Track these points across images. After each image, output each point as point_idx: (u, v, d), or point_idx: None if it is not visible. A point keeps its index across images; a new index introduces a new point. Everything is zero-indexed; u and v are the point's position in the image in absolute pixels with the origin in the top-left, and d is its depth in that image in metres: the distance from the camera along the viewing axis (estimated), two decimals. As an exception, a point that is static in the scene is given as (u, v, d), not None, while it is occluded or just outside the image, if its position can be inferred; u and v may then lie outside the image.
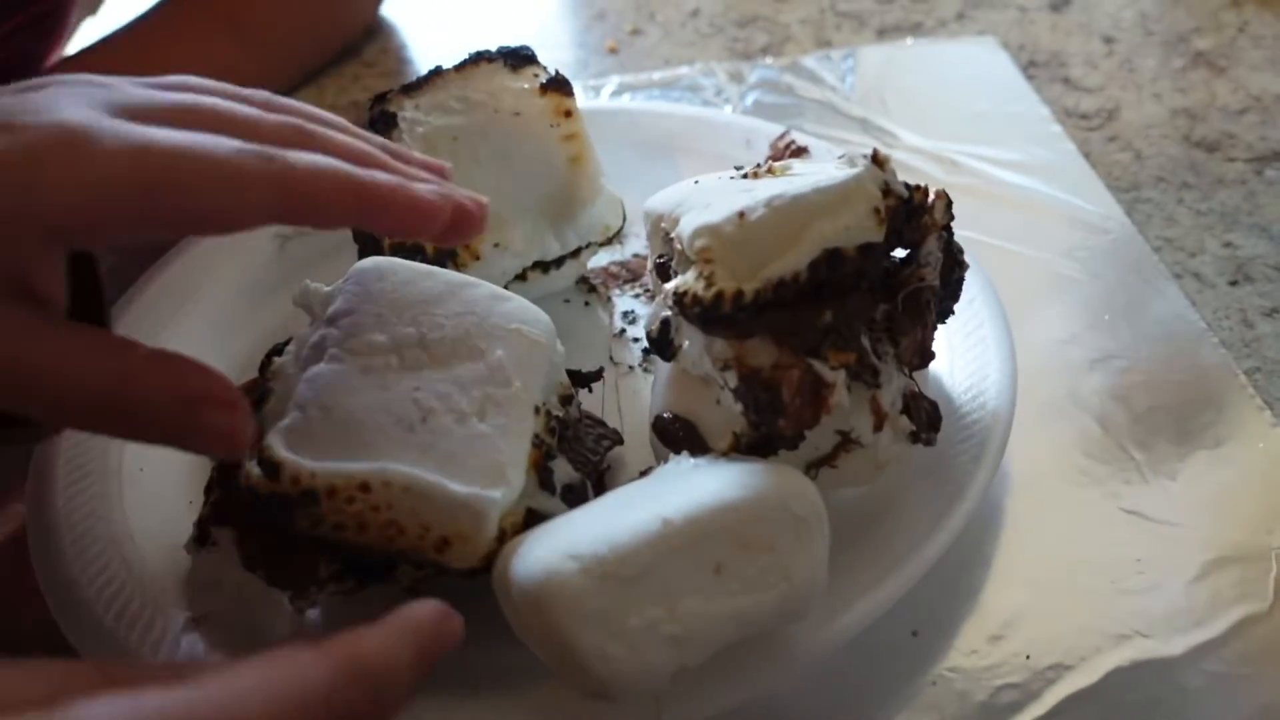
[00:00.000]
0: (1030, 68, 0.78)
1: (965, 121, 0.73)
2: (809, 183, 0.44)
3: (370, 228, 0.41)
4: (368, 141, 0.41)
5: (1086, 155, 0.70)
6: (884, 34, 0.83)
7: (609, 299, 0.60)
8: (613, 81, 0.79)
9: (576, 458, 0.45)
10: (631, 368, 0.56)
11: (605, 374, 0.55)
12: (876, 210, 0.43)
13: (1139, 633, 0.46)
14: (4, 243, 0.33)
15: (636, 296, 0.60)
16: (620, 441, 0.48)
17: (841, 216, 0.43)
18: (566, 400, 0.46)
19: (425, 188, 0.39)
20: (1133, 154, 0.70)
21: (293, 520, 0.38)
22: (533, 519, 0.41)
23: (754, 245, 0.43)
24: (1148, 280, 0.61)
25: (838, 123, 0.74)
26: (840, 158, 0.46)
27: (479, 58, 0.57)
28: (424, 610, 0.31)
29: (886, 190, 0.44)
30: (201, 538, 0.42)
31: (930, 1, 0.87)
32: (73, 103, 0.35)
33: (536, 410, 0.43)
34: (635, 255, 0.63)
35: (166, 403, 0.34)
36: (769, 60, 0.81)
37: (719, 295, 0.42)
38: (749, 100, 0.77)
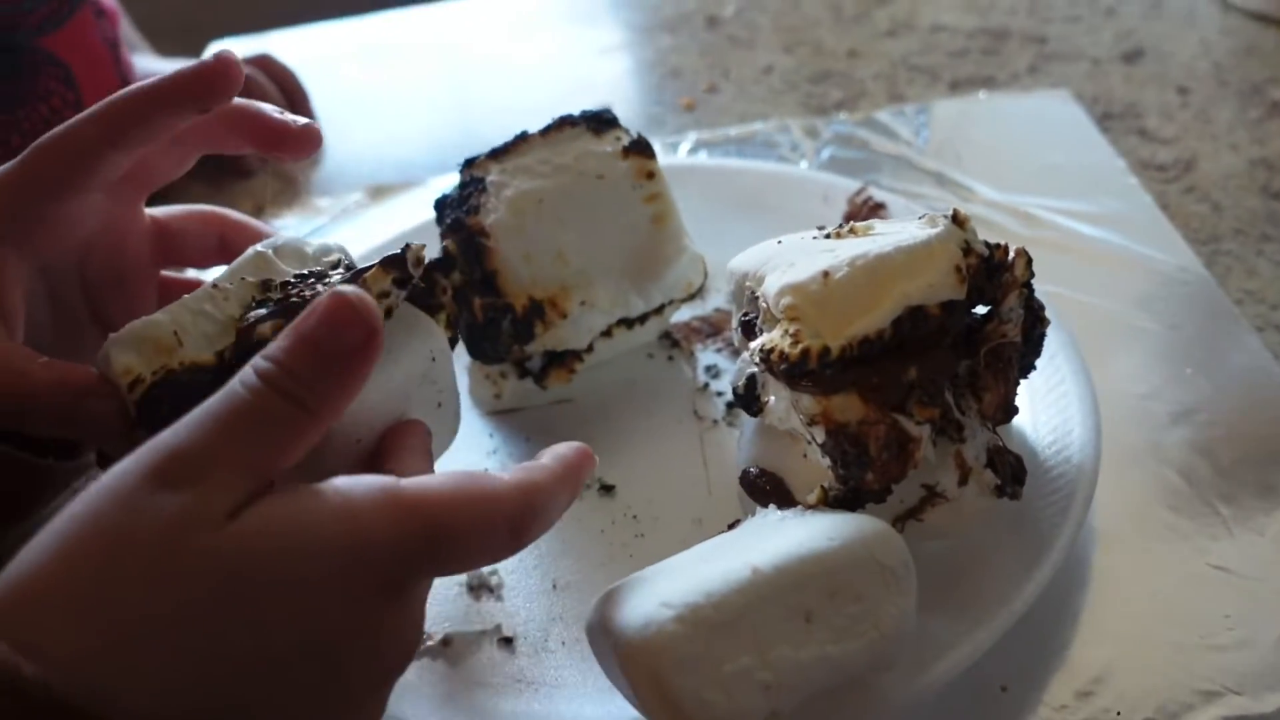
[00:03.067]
0: (1104, 119, 0.79)
1: (1040, 174, 0.74)
2: (891, 242, 0.45)
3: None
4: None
5: (1164, 207, 0.70)
6: (956, 87, 0.85)
7: (692, 353, 0.62)
8: (689, 138, 0.81)
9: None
10: (715, 422, 0.58)
11: (690, 428, 0.57)
12: (958, 268, 0.44)
13: (1230, 689, 0.45)
14: None
15: (719, 351, 0.62)
16: (352, 272, 0.47)
17: (924, 275, 0.44)
18: (318, 277, 0.47)
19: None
20: (1210, 205, 0.70)
21: None
22: (226, 360, 0.43)
23: (838, 303, 0.44)
24: (1228, 333, 0.61)
25: (912, 177, 0.75)
26: (921, 217, 0.47)
27: (563, 122, 0.59)
28: (572, 450, 0.40)
29: (967, 249, 0.45)
30: None
31: (1002, 55, 0.88)
32: None
33: (215, 286, 0.45)
34: (717, 310, 0.64)
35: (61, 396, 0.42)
36: (843, 115, 0.82)
37: (805, 352, 0.43)
38: (824, 155, 0.78)
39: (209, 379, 0.42)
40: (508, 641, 0.49)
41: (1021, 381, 0.51)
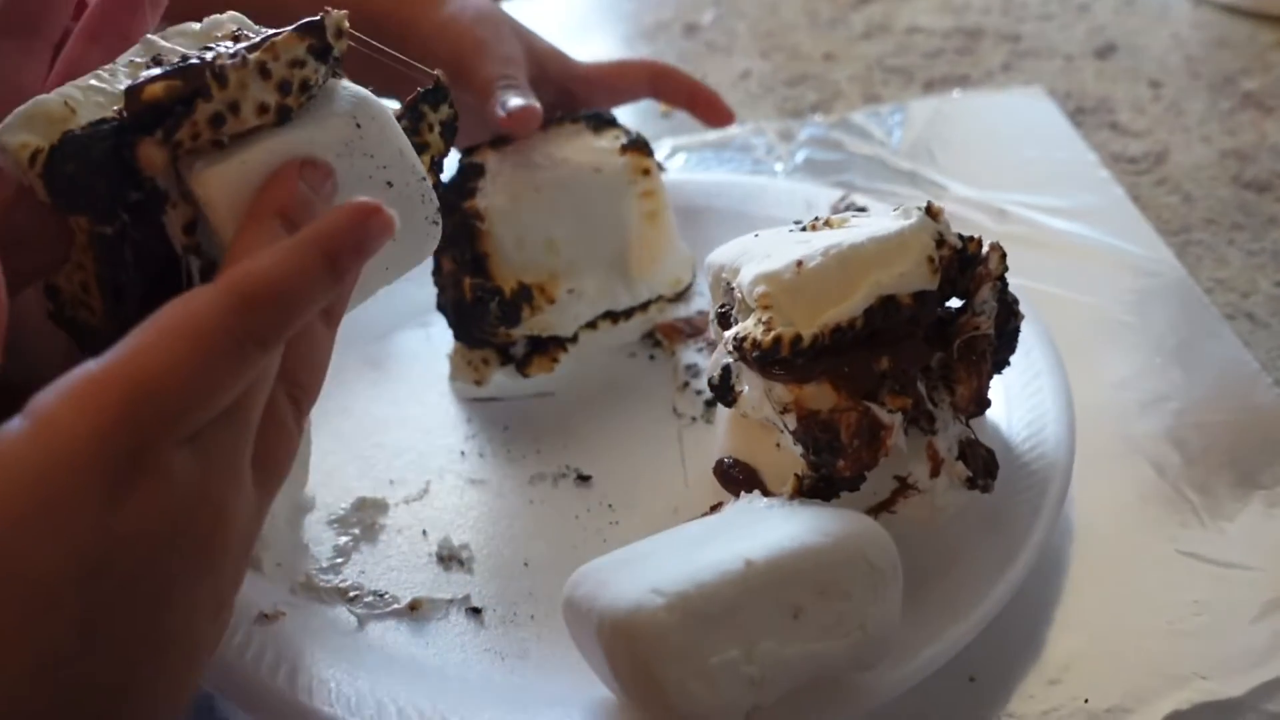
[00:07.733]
0: (1077, 114, 0.80)
1: (1014, 170, 0.74)
2: (864, 233, 0.46)
3: None
4: None
5: (1136, 199, 0.71)
6: (931, 87, 0.85)
7: (674, 353, 0.62)
8: (666, 144, 0.82)
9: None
10: (694, 419, 0.58)
11: (669, 424, 0.58)
12: (930, 259, 0.45)
13: (1198, 674, 0.46)
14: None
15: (700, 350, 0.62)
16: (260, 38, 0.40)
17: (896, 265, 0.45)
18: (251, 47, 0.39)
19: None
20: (1182, 196, 0.71)
21: None
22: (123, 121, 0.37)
23: (811, 292, 0.45)
24: (1200, 322, 0.62)
25: (886, 176, 0.76)
26: (896, 210, 0.47)
27: (563, 119, 0.60)
28: (334, 213, 0.33)
29: (940, 240, 0.46)
30: None
31: (977, 54, 0.88)
32: None
33: (102, 68, 0.40)
34: (700, 312, 0.64)
35: None
36: (818, 118, 0.83)
37: (777, 340, 0.44)
38: (799, 158, 0.79)
39: (111, 132, 0.37)
40: (476, 612, 0.50)
41: (997, 376, 0.51)
